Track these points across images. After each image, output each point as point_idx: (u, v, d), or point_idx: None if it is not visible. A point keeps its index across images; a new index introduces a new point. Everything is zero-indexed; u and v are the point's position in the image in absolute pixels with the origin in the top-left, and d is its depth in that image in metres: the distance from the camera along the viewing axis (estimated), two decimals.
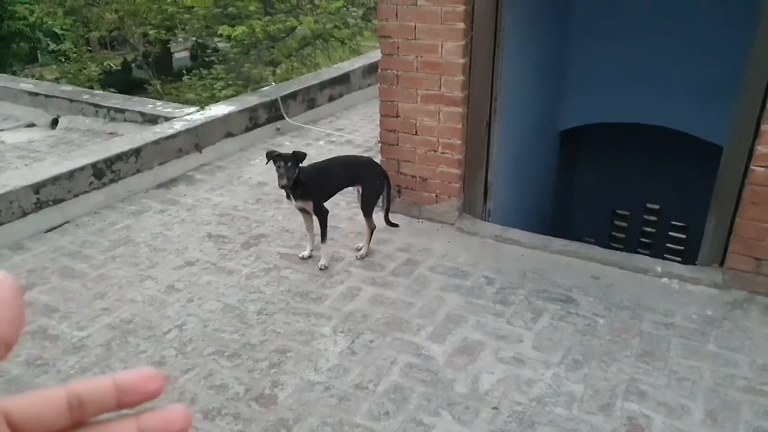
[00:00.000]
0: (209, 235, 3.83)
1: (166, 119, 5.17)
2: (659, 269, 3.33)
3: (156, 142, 4.56)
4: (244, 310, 3.06)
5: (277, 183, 3.24)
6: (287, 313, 3.05)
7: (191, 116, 5.10)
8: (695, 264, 3.39)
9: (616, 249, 6.11)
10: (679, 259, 4.83)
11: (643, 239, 6.60)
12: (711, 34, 4.73)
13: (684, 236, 6.30)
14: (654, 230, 6.55)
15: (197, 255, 3.59)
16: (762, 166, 2.94)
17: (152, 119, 5.38)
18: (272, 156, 3.22)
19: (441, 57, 3.60)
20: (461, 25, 3.48)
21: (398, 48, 3.70)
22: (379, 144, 4.08)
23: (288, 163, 3.15)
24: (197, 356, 2.74)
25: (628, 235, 6.71)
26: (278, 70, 15.22)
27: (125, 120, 5.73)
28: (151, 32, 13.03)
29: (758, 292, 3.12)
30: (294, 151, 3.24)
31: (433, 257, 3.58)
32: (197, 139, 4.91)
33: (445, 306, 3.12)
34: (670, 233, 6.33)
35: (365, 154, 5.11)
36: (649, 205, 6.56)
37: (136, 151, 4.43)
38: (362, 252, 3.58)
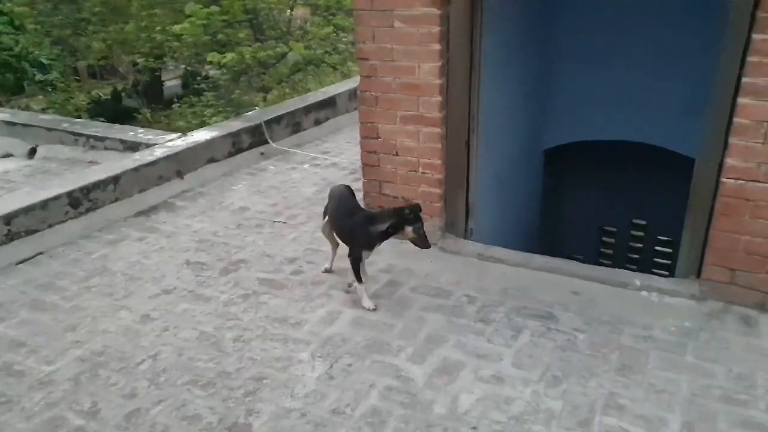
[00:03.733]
0: (188, 262, 3.81)
1: (147, 146, 5.18)
2: (638, 283, 3.33)
3: (135, 170, 4.56)
4: (220, 338, 3.03)
5: (419, 244, 3.20)
6: (265, 339, 3.02)
7: (173, 143, 5.12)
8: (674, 277, 3.39)
9: (606, 265, 6.14)
10: (667, 273, 4.84)
11: (630, 255, 6.61)
12: (689, 53, 4.80)
13: (670, 250, 6.31)
14: (641, 245, 6.57)
15: (174, 283, 3.57)
16: (732, 179, 2.97)
17: (133, 146, 5.39)
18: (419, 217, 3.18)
19: (418, 78, 3.64)
20: (437, 47, 3.53)
21: (376, 70, 3.75)
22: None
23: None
24: (170, 386, 2.71)
25: (616, 251, 6.73)
26: (269, 96, 15.36)
27: (105, 148, 5.74)
28: (140, 60, 13.13)
29: (734, 302, 3.13)
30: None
31: (416, 278, 3.58)
32: (179, 165, 4.92)
33: (427, 326, 3.11)
34: (656, 248, 6.34)
35: (350, 177, 5.15)
36: (635, 221, 6.59)
37: (115, 179, 4.43)
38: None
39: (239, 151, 5.50)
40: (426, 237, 3.17)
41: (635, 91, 5.48)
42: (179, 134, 5.46)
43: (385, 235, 3.21)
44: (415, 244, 3.21)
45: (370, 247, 3.25)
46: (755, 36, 2.76)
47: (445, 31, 3.51)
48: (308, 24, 16.74)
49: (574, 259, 3.78)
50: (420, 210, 3.23)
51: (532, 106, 5.76)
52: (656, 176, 5.80)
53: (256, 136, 5.72)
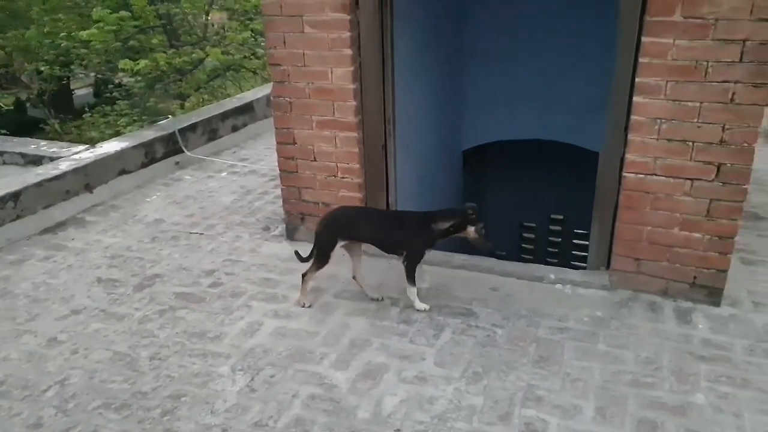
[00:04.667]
0: (99, 279, 3.62)
1: (51, 159, 4.90)
2: (553, 276, 3.46)
3: (38, 185, 4.30)
4: (135, 357, 2.90)
5: (480, 246, 3.14)
6: (183, 355, 2.92)
7: (80, 155, 4.86)
8: (585, 269, 3.55)
9: (527, 259, 6.34)
10: (585, 264, 5.07)
11: (550, 249, 6.88)
12: (592, 53, 5.04)
13: (587, 243, 6.61)
14: (560, 239, 6.85)
15: (84, 302, 3.38)
16: (632, 173, 3.14)
17: (35, 160, 5.09)
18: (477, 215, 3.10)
19: (332, 83, 3.63)
20: (349, 52, 3.53)
21: (289, 75, 3.71)
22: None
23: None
24: (80, 412, 2.56)
25: (537, 245, 6.98)
26: (187, 104, 14.91)
27: (4, 163, 5.40)
28: (44, 68, 12.40)
29: (640, 290, 3.32)
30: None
31: (339, 283, 3.56)
32: (87, 178, 4.67)
33: (350, 331, 3.10)
34: (574, 241, 6.62)
35: (270, 183, 5.07)
36: (553, 216, 6.86)
37: (15, 196, 4.15)
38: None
39: (153, 161, 5.30)
40: (487, 239, 3.11)
41: (545, 91, 5.71)
42: (87, 146, 5.19)
43: (444, 234, 3.15)
44: (476, 246, 3.15)
45: (431, 245, 3.22)
46: (644, 39, 2.93)
47: (356, 36, 3.52)
48: (225, 29, 16.39)
49: (496, 255, 3.89)
50: (478, 210, 3.15)
51: (448, 108, 5.88)
52: (571, 172, 6.06)
53: (171, 145, 5.53)
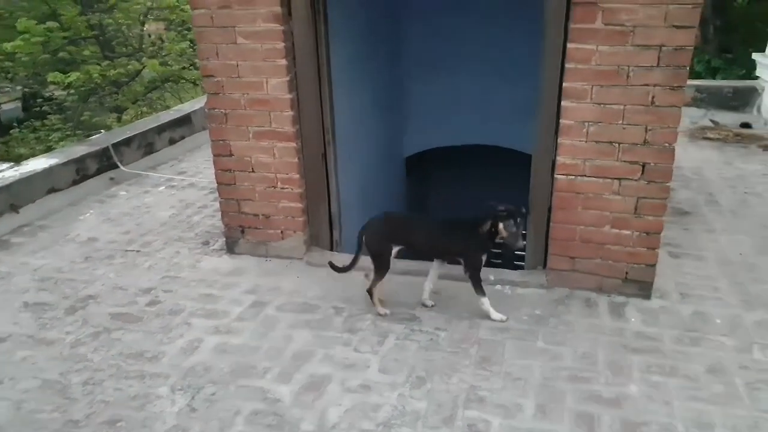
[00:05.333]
0: (26, 304, 3.45)
1: None
2: (492, 278, 3.53)
3: None
4: (66, 384, 2.78)
5: (510, 244, 3.03)
6: (118, 378, 2.81)
7: (2, 174, 4.64)
8: (523, 269, 3.64)
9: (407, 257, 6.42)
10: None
11: (494, 250, 7.01)
12: (525, 59, 5.19)
13: None
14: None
15: (10, 329, 3.21)
16: (563, 175, 3.25)
17: None
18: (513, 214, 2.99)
19: (267, 93, 3.61)
20: (283, 62, 3.52)
21: (223, 86, 3.66)
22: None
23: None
24: None
25: None
26: (125, 117, 14.48)
27: None
28: None
29: (576, 287, 3.43)
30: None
31: (282, 295, 3.52)
32: (11, 198, 4.46)
33: (294, 344, 3.06)
34: None
35: (210, 196, 4.98)
36: None
37: None
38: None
39: (85, 178, 5.11)
40: (518, 236, 3.01)
41: (483, 97, 5.85)
42: (11, 164, 4.96)
43: (490, 237, 3.08)
44: (509, 244, 3.06)
45: (487, 248, 3.14)
46: (569, 45, 3.04)
47: (290, 46, 3.51)
48: (163, 39, 16.03)
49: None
50: (521, 209, 3.08)
51: (390, 116, 5.93)
52: (511, 174, 6.21)
53: (105, 161, 5.36)
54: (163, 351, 3.02)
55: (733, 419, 2.48)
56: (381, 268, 3.20)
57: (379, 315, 3.26)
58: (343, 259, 3.90)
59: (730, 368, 2.80)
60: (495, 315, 3.18)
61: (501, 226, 3.01)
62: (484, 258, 3.15)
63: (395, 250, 3.18)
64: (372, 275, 3.26)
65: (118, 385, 2.77)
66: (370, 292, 3.27)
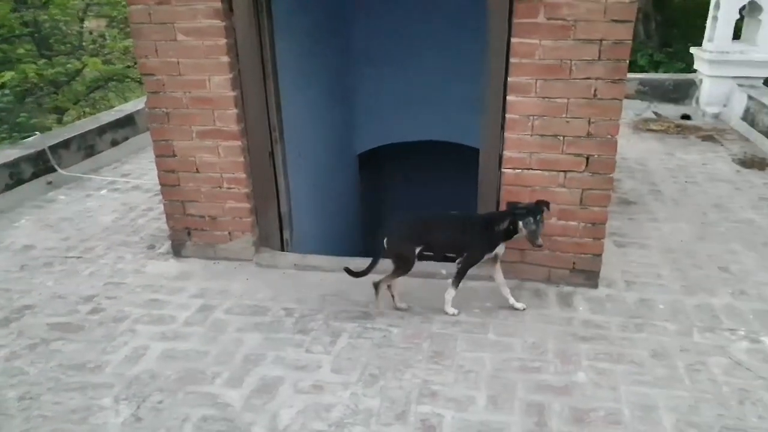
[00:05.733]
0: None
1: None
2: (444, 272, 3.54)
3: None
4: (1, 400, 2.63)
5: (533, 241, 3.02)
6: (58, 391, 2.69)
7: None
8: None
9: (428, 257, 6.46)
10: None
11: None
12: (473, 55, 5.23)
13: None
14: None
15: None
16: (511, 168, 3.29)
17: None
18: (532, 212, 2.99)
19: (210, 91, 3.51)
20: (226, 59, 3.43)
21: (164, 85, 3.55)
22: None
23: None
24: None
25: None
26: (66, 118, 13.94)
27: None
28: None
29: (526, 278, 3.48)
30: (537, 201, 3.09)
31: (231, 298, 3.44)
32: None
33: (244, 347, 3.00)
34: None
35: (155, 198, 4.82)
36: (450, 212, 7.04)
37: None
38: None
39: (20, 182, 4.88)
40: (537, 234, 2.99)
41: (433, 93, 5.86)
42: None
43: (507, 236, 3.08)
44: (529, 241, 3.05)
45: (492, 248, 3.12)
46: (513, 40, 3.07)
47: (232, 42, 3.43)
48: (105, 37, 15.50)
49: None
50: (543, 206, 3.05)
51: (341, 113, 5.89)
52: (462, 169, 6.27)
53: (41, 164, 5.12)
54: (106, 360, 2.90)
55: (675, 400, 2.57)
56: (401, 268, 3.16)
57: (398, 309, 3.26)
58: (292, 259, 3.86)
59: (672, 352, 2.89)
60: (449, 309, 3.21)
61: (520, 224, 3.02)
62: (486, 256, 3.16)
63: (418, 250, 3.15)
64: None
65: (57, 398, 2.65)
66: (377, 285, 3.20)
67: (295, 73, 4.37)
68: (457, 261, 3.21)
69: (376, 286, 3.21)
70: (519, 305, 3.25)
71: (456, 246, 3.22)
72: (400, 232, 3.20)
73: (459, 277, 3.19)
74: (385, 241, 3.15)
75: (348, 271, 3.22)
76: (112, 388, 2.71)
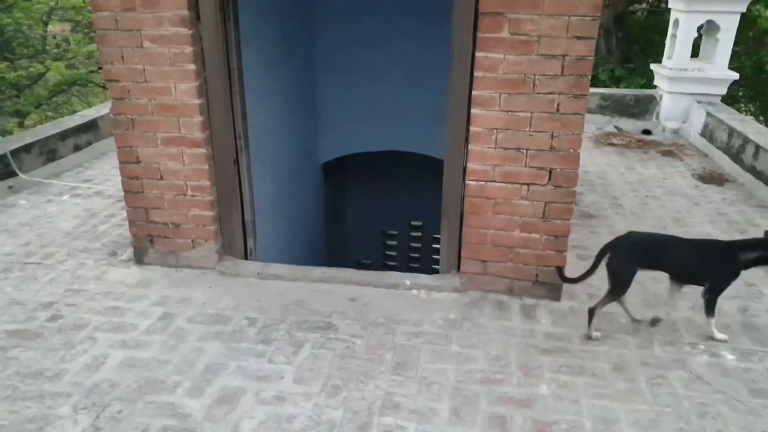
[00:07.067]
0: None
1: None
2: (408, 282, 3.56)
3: None
4: None
5: None
6: (14, 400, 2.61)
7: None
8: (438, 273, 3.70)
9: (391, 267, 6.50)
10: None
11: (412, 254, 7.13)
12: (437, 67, 5.30)
13: None
14: (420, 245, 7.12)
15: None
16: (474, 180, 3.33)
17: None
18: None
19: (176, 99, 3.48)
20: (192, 66, 3.41)
21: (129, 91, 3.51)
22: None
23: None
24: None
25: (400, 252, 7.20)
26: (28, 122, 13.61)
27: None
28: None
29: (489, 290, 3.51)
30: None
31: (193, 306, 3.40)
32: None
33: (205, 356, 2.96)
34: (434, 246, 6.90)
35: (118, 205, 4.74)
36: (413, 223, 7.11)
37: None
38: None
39: None
40: None
41: (397, 104, 5.91)
42: None
43: (748, 265, 2.98)
44: None
45: (736, 276, 3.03)
46: (478, 54, 3.13)
47: (199, 50, 3.41)
48: (69, 41, 15.20)
49: (362, 264, 3.92)
50: None
51: (305, 122, 5.89)
52: (426, 180, 6.32)
53: (1, 168, 5.00)
54: (65, 368, 2.83)
55: (635, 414, 2.60)
56: (618, 289, 3.09)
57: (589, 338, 3.13)
58: (255, 267, 3.83)
59: (632, 365, 2.93)
60: (718, 335, 3.12)
61: None
62: (732, 283, 3.06)
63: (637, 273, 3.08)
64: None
65: (13, 407, 2.57)
66: (591, 311, 3.12)
67: (261, 82, 4.37)
68: (702, 293, 3.10)
69: (591, 312, 3.13)
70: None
71: (693, 271, 3.10)
72: (624, 252, 3.10)
73: (711, 307, 3.09)
74: (607, 257, 3.08)
75: (560, 275, 3.22)
76: (70, 397, 2.64)
